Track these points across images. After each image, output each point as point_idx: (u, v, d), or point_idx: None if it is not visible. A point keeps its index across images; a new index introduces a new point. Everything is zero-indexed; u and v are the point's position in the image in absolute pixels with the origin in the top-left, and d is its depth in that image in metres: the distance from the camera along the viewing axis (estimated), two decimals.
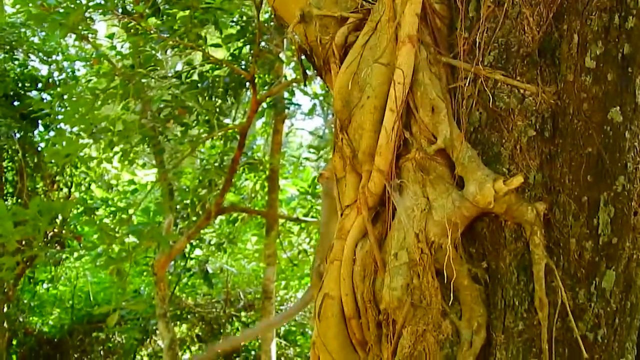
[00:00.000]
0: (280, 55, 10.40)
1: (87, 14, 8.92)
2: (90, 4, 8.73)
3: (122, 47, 9.79)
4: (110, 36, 9.55)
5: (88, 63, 11.74)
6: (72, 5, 8.60)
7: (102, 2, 8.78)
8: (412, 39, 3.30)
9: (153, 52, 9.23)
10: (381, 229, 3.49)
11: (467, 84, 3.39)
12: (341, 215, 3.66)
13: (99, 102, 9.23)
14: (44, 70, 12.57)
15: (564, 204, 3.26)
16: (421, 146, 3.41)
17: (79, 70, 12.59)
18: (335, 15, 3.87)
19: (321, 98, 12.40)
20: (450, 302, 3.23)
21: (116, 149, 9.75)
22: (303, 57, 4.09)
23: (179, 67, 11.82)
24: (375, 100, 3.51)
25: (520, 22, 3.39)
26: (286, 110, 11.92)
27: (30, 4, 8.98)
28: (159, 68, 9.27)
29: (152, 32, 9.04)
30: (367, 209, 3.49)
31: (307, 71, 4.21)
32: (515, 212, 3.21)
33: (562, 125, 3.33)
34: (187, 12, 9.24)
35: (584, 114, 3.29)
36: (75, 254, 12.51)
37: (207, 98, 9.90)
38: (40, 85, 12.37)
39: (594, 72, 3.31)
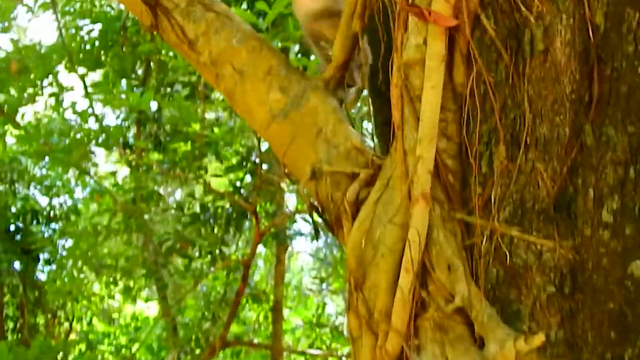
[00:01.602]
0: (282, 185, 10.43)
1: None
2: (93, 140, 8.81)
3: (122, 180, 9.85)
4: (113, 174, 9.62)
5: (89, 197, 11.80)
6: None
7: (104, 138, 8.86)
8: (426, 196, 3.27)
9: (155, 186, 9.28)
10: None
11: (483, 241, 3.34)
12: None
13: (101, 238, 9.23)
14: (44, 201, 12.60)
15: None
16: (439, 305, 3.34)
17: (79, 201, 12.64)
18: (346, 171, 3.85)
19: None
20: None
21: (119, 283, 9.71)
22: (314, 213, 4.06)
23: (179, 194, 11.89)
24: (390, 259, 3.44)
25: (534, 177, 3.36)
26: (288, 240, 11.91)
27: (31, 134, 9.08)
28: (161, 203, 9.30)
29: (153, 166, 9.12)
30: None
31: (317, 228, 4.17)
32: None
33: (581, 280, 3.26)
34: (189, 144, 9.34)
35: (604, 269, 3.22)
36: None
37: (209, 230, 9.91)
38: (41, 218, 12.37)
39: (611, 226, 3.25)
